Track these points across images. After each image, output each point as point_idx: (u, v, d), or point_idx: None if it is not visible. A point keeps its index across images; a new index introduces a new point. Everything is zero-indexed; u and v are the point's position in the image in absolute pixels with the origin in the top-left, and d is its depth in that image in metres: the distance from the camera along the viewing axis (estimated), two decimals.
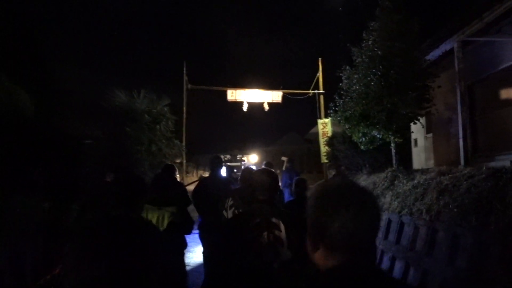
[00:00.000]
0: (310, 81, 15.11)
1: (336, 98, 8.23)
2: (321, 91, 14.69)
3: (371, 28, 7.66)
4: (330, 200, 1.00)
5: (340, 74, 8.33)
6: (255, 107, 15.21)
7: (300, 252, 1.87)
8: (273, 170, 2.62)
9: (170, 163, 7.60)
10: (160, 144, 12.14)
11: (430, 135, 11.46)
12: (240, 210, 3.32)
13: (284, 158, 12.13)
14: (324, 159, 13.74)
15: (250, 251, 2.02)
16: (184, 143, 14.36)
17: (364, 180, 8.59)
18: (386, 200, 6.60)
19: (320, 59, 14.92)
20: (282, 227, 2.10)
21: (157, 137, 12.19)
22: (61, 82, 13.03)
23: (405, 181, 6.46)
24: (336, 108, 8.21)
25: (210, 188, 4.72)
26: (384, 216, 6.54)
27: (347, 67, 7.93)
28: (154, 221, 3.18)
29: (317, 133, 29.97)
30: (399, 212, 5.97)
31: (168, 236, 3.13)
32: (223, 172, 6.43)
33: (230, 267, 2.00)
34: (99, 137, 11.75)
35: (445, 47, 8.03)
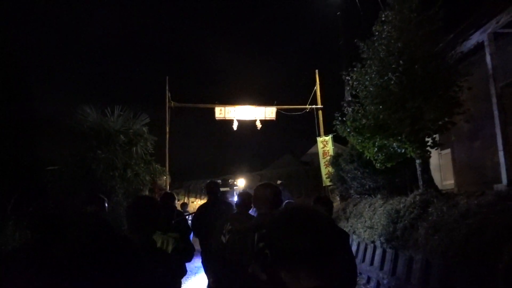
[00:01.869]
0: (306, 96, 13.70)
1: (344, 105, 6.71)
2: (320, 106, 13.24)
3: (383, 18, 6.22)
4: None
5: (347, 77, 6.83)
6: (247, 126, 13.68)
7: None
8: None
9: (169, 192, 6.62)
10: (137, 168, 10.47)
11: (447, 151, 9.91)
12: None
13: (280, 182, 11.24)
14: (327, 182, 12.11)
15: (256, 261, 1.98)
16: (167, 167, 12.68)
17: (380, 206, 6.96)
18: (420, 234, 4.97)
19: (316, 71, 13.54)
20: None
21: (133, 160, 10.53)
22: (24, 100, 11.46)
23: (444, 208, 4.85)
24: (344, 119, 6.66)
25: (211, 214, 4.56)
26: (418, 258, 4.88)
27: (358, 65, 6.42)
28: (158, 245, 3.17)
29: (314, 154, 28.41)
30: (443, 252, 4.32)
31: (173, 261, 3.02)
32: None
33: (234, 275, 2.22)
34: (66, 162, 10.11)
35: (471, 41, 6.61)
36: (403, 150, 6.11)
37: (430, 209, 5.12)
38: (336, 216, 8.91)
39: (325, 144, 12.52)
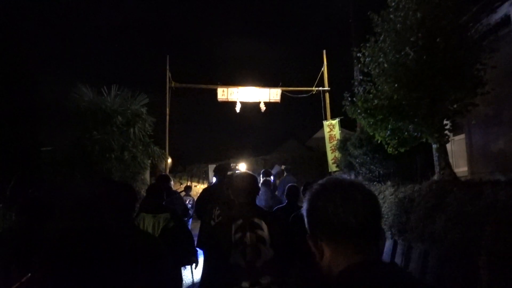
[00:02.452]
0: (312, 78, 13.10)
1: (355, 84, 6.16)
2: (326, 88, 12.64)
3: None
4: (322, 192, 1.00)
5: (358, 53, 6.26)
6: (250, 109, 13.15)
7: (282, 251, 2.15)
8: (253, 173, 2.60)
9: (164, 173, 7.18)
10: (135, 151, 10.02)
11: (461, 136, 9.35)
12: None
13: (283, 167, 10.84)
14: (333, 167, 11.62)
15: (236, 252, 2.10)
16: (167, 150, 12.24)
17: (391, 194, 6.47)
18: (438, 226, 4.49)
19: (324, 51, 12.90)
20: (265, 226, 2.17)
21: (131, 142, 10.07)
22: (17, 80, 10.98)
23: (467, 197, 4.35)
24: (354, 99, 6.12)
25: (217, 197, 4.36)
26: (435, 253, 4.41)
27: (372, 38, 5.83)
28: (150, 228, 3.29)
29: (320, 139, 27.84)
30: (465, 248, 3.84)
31: (164, 242, 2.69)
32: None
33: (218, 268, 2.13)
34: (61, 144, 9.70)
35: (497, 14, 6.00)
36: (419, 134, 5.58)
37: (448, 199, 4.63)
38: None
39: (331, 128, 11.98)
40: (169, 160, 16.66)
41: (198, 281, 5.66)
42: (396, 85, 5.39)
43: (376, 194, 6.44)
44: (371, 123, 5.90)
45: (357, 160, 7.88)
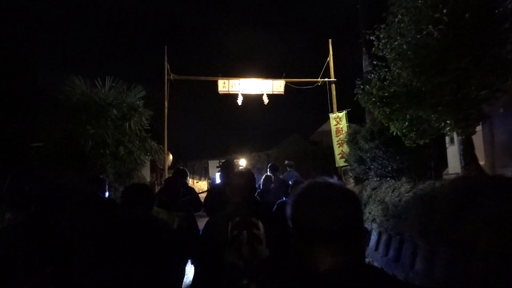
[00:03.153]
0: (317, 70, 12.48)
1: (368, 69, 5.56)
2: (333, 79, 12.02)
3: None
4: (302, 197, 1.03)
5: (371, 37, 5.65)
6: (252, 101, 12.56)
7: (279, 250, 2.08)
8: (250, 171, 2.67)
9: (181, 168, 6.14)
10: (130, 146, 9.46)
11: (479, 128, 8.76)
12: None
13: (287, 162, 10.34)
14: (340, 162, 11.04)
15: (231, 249, 2.08)
16: (165, 145, 11.69)
17: (407, 191, 5.89)
18: (467, 228, 3.92)
19: (330, 41, 12.25)
20: (261, 226, 2.15)
21: (126, 137, 9.52)
22: (6, 72, 10.45)
23: (502, 195, 3.78)
24: (368, 87, 5.53)
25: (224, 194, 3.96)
26: (466, 259, 3.84)
27: (389, 17, 5.22)
28: None
29: (324, 134, 27.28)
30: (504, 254, 3.28)
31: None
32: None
33: (212, 266, 2.10)
34: (53, 139, 9.16)
35: None
36: (441, 124, 4.99)
37: (480, 197, 4.06)
38: None
39: (338, 121, 11.38)
40: (170, 157, 16.16)
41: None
42: (417, 69, 4.80)
43: (390, 191, 5.84)
44: (386, 112, 5.31)
45: (368, 154, 7.30)
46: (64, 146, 8.88)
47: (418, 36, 4.63)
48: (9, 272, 1.97)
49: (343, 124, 11.24)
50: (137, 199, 2.44)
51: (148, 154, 10.25)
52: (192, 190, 6.20)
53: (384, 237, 6.28)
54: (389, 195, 6.61)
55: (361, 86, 5.65)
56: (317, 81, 12.05)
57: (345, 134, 11.09)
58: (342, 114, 11.31)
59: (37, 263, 2.00)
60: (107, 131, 8.98)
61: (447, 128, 4.97)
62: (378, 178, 7.54)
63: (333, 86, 12.06)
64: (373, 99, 5.22)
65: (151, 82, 14.05)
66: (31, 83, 9.49)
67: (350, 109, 11.17)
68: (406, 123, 5.20)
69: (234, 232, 2.13)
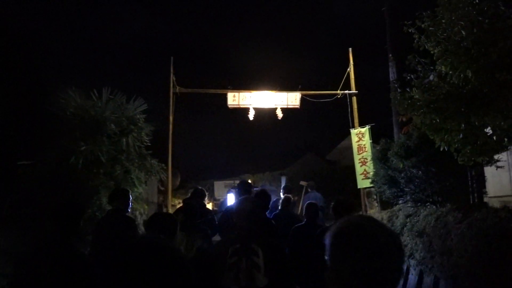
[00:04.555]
0: (334, 82, 11.40)
1: (413, 65, 4.44)
2: (354, 91, 10.91)
3: None
4: (342, 240, 1.01)
5: (410, 30, 4.53)
6: (265, 116, 11.51)
7: (277, 279, 2.13)
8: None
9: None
10: (128, 164, 8.45)
11: None
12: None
13: (303, 183, 10.08)
14: (363, 183, 9.80)
15: (229, 276, 2.11)
16: (169, 164, 10.65)
17: (458, 221, 4.64)
18: None
19: (350, 50, 11.20)
20: (261, 254, 2.15)
21: (124, 154, 8.53)
22: None
23: None
24: (408, 90, 4.38)
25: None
26: None
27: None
28: (183, 246, 3.14)
29: (341, 152, 25.98)
30: None
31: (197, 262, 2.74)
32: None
33: None
34: (43, 156, 8.24)
35: None
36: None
37: None
38: None
39: (360, 137, 10.19)
40: (178, 177, 15.07)
41: None
42: (473, 65, 3.66)
43: (432, 220, 4.61)
44: (434, 122, 4.14)
45: (402, 175, 6.08)
46: (54, 165, 7.94)
47: (480, 17, 3.49)
48: None
49: (366, 140, 10.04)
50: (161, 227, 2.47)
51: (149, 173, 9.24)
52: (209, 211, 5.97)
53: (428, 279, 5.01)
54: (432, 224, 5.37)
55: (398, 90, 4.51)
56: (337, 93, 10.93)
57: (368, 152, 9.91)
58: (365, 129, 10.13)
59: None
60: (101, 148, 8.01)
61: None
62: (413, 203, 6.28)
63: (354, 98, 10.92)
64: (419, 103, 4.06)
65: (157, 96, 13.16)
66: (19, 93, 8.61)
67: (374, 124, 10.01)
68: (461, 135, 4.01)
69: (234, 258, 2.15)
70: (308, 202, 4.70)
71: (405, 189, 6.15)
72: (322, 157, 30.26)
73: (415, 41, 4.30)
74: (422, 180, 5.70)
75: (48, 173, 8.04)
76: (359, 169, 10.11)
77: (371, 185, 9.41)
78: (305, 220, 4.42)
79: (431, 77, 4.09)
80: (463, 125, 3.95)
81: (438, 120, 4.03)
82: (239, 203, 2.49)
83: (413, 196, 6.01)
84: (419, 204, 6.14)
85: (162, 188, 15.51)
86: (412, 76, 4.55)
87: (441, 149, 4.49)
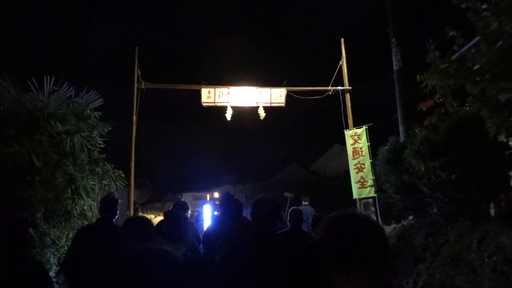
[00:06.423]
0: (324, 79, 10.01)
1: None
2: (347, 87, 9.51)
3: None
4: (334, 225, 1.10)
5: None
6: (245, 116, 9.98)
7: None
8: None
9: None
10: (72, 170, 6.72)
11: None
12: None
13: (287, 194, 9.97)
14: (360, 193, 8.33)
15: None
16: (132, 170, 8.97)
17: None
18: None
19: (342, 40, 9.84)
20: None
21: (70, 158, 6.80)
22: None
23: None
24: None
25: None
26: None
27: None
28: None
29: (326, 162, 24.62)
30: None
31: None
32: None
33: None
34: None
35: None
36: None
37: None
38: None
39: (356, 140, 8.74)
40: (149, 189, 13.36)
41: None
42: None
43: (474, 242, 3.13)
44: (494, 93, 2.68)
45: (424, 181, 4.59)
46: None
47: None
48: None
49: (363, 143, 8.60)
50: (137, 231, 2.41)
51: (103, 182, 7.52)
52: (192, 225, 5.80)
53: None
54: (473, 247, 3.89)
55: (435, 52, 3.05)
56: (328, 90, 9.50)
57: (366, 156, 8.48)
58: (362, 130, 8.69)
59: None
60: (36, 150, 6.28)
61: None
62: (438, 217, 4.80)
63: (347, 95, 9.51)
64: (477, 65, 2.58)
65: (121, 92, 11.47)
66: None
67: (371, 124, 8.60)
68: None
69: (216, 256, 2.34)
70: (292, 208, 4.63)
71: (429, 199, 4.65)
72: (306, 167, 28.96)
73: None
74: (454, 187, 4.23)
75: None
76: (355, 176, 8.64)
77: (371, 195, 7.97)
78: (289, 226, 4.37)
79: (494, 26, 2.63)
80: None
81: (505, 88, 2.56)
82: None
83: (441, 208, 4.52)
84: (444, 218, 4.67)
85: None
86: (455, 33, 3.10)
87: (498, 139, 3.02)
